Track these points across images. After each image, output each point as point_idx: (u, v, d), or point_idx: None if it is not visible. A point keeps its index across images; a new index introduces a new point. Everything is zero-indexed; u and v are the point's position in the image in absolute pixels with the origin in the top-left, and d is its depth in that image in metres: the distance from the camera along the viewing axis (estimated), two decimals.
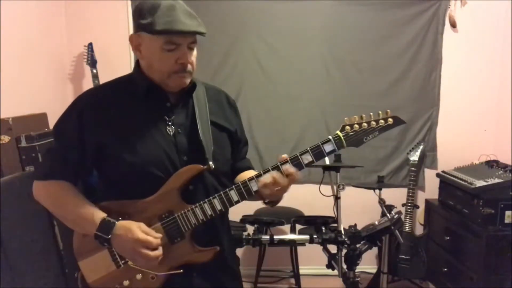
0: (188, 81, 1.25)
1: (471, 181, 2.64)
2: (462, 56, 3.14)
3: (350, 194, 2.62)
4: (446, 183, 2.94)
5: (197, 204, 1.21)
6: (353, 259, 2.15)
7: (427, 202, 3.16)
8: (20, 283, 1.93)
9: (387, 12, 3.09)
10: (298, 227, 2.75)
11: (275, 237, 2.22)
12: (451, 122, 3.18)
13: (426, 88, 3.17)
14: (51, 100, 2.91)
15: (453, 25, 3.10)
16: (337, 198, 2.33)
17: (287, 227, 2.85)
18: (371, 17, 3.10)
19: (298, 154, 1.21)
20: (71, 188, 1.26)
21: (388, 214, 2.25)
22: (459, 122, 3.19)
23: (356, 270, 2.18)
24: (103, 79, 2.91)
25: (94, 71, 2.91)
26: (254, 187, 1.20)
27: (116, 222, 1.18)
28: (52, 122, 2.70)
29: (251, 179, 1.21)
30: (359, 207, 2.97)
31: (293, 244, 2.74)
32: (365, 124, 1.22)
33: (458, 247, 2.73)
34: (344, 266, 2.18)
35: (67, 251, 2.35)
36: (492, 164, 2.86)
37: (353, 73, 3.16)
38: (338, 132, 1.22)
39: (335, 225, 2.28)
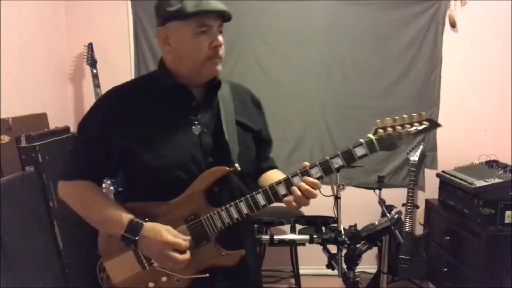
0: (220, 68, 1.22)
1: (471, 181, 2.64)
2: (462, 56, 3.15)
3: (350, 194, 2.62)
4: (446, 183, 2.94)
5: (223, 207, 1.18)
6: (353, 259, 2.15)
7: (427, 202, 3.16)
8: (20, 283, 1.93)
9: (387, 12, 3.09)
10: (298, 227, 2.75)
11: (275, 237, 2.21)
12: (451, 122, 3.18)
13: (426, 88, 3.17)
14: (51, 100, 2.91)
15: (453, 25, 3.10)
16: (337, 198, 2.33)
17: (287, 227, 2.85)
18: (371, 17, 3.10)
19: (328, 157, 1.17)
20: (97, 189, 1.26)
21: (388, 214, 2.25)
22: (459, 122, 3.18)
23: (356, 270, 2.17)
24: (103, 79, 2.91)
25: (94, 71, 2.91)
26: (282, 191, 1.17)
27: (144, 223, 1.16)
28: (52, 122, 2.70)
29: (278, 182, 1.17)
30: (359, 207, 2.97)
31: (293, 244, 2.74)
32: (399, 127, 1.14)
33: (458, 247, 2.73)
34: (344, 266, 2.18)
35: (67, 251, 2.35)
36: (492, 164, 2.86)
37: (353, 73, 3.16)
38: (370, 135, 1.16)
39: (335, 225, 2.28)
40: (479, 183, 2.58)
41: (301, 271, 3.00)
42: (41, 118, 2.63)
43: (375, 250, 2.88)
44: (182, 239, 1.16)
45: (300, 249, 2.95)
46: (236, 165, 1.19)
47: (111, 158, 1.22)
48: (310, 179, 1.15)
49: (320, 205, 2.48)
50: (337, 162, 1.17)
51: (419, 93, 3.17)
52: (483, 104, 3.17)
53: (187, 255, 1.16)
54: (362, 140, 1.16)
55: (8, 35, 2.38)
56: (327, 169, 1.17)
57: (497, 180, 2.57)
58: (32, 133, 2.26)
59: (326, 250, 2.22)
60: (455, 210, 2.80)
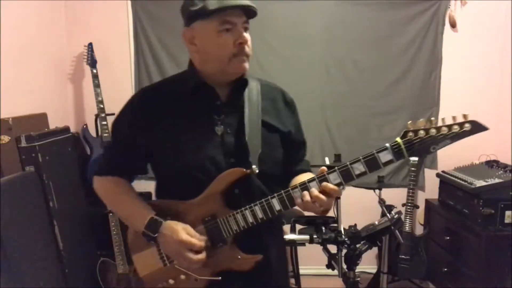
0: (247, 66, 1.20)
1: (471, 181, 2.64)
2: (462, 56, 3.14)
3: (350, 194, 2.61)
4: (446, 183, 2.94)
5: (239, 210, 1.17)
6: (353, 259, 2.15)
7: (427, 202, 3.16)
8: (20, 283, 1.93)
9: (387, 12, 3.09)
10: (298, 227, 2.75)
11: None
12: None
13: (426, 88, 3.17)
14: (51, 100, 2.91)
15: (453, 25, 3.10)
16: (337, 198, 2.33)
17: (287, 227, 2.84)
18: (371, 17, 3.10)
19: (348, 163, 1.07)
20: (126, 185, 1.30)
21: (388, 214, 2.24)
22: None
23: (356, 270, 2.17)
24: (103, 79, 2.91)
25: (94, 71, 2.90)
26: (298, 196, 1.11)
27: (164, 221, 1.18)
28: (52, 122, 2.71)
29: (294, 187, 1.12)
30: (359, 207, 2.97)
31: (293, 244, 2.74)
32: (433, 130, 1.00)
33: (458, 247, 2.73)
34: (344, 266, 2.18)
35: (67, 251, 2.35)
36: (492, 164, 2.86)
37: (353, 73, 3.16)
38: (398, 139, 1.03)
39: (335, 225, 2.28)
40: (479, 183, 2.58)
41: (301, 271, 3.00)
42: (41, 118, 2.63)
43: (375, 250, 2.88)
44: (197, 239, 1.16)
45: (300, 249, 2.94)
46: (254, 167, 1.15)
47: (138, 156, 1.26)
48: (330, 186, 1.08)
49: None
50: (359, 168, 1.06)
51: (419, 93, 3.17)
52: (483, 104, 3.17)
53: (202, 256, 1.16)
54: (387, 144, 1.04)
55: (8, 35, 2.38)
56: (347, 175, 1.08)
57: (497, 180, 2.57)
58: (32, 133, 2.26)
59: (326, 250, 2.22)
60: (455, 210, 2.80)
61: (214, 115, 1.22)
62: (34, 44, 2.71)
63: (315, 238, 2.17)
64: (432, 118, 1.02)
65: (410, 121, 1.03)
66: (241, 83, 1.25)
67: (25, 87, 2.59)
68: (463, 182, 2.70)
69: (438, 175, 3.04)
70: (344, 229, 2.22)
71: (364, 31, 3.11)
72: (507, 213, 2.49)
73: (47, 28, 2.90)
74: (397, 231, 2.27)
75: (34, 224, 2.15)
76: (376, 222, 2.23)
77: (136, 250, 1.30)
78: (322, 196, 1.08)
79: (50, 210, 2.28)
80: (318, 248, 2.24)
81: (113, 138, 1.33)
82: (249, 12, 1.17)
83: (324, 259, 2.23)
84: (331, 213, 2.35)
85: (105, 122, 2.85)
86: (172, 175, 1.23)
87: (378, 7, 3.08)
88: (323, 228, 2.29)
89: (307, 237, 2.20)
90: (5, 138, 2.25)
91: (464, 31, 3.11)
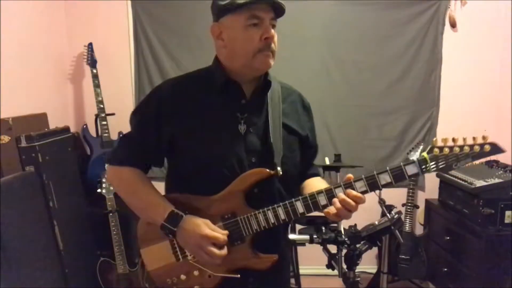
0: (272, 62, 1.21)
1: (471, 181, 2.64)
2: (462, 56, 3.14)
3: None
4: (446, 183, 2.94)
5: (261, 210, 1.17)
6: (353, 259, 2.15)
7: (427, 202, 3.16)
8: (20, 283, 1.93)
9: (387, 12, 3.09)
10: (298, 227, 2.75)
11: None
12: (451, 122, 3.18)
13: (426, 88, 3.17)
14: (51, 100, 2.91)
15: (453, 25, 3.10)
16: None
17: None
18: (371, 17, 3.10)
19: (375, 172, 1.12)
20: (143, 176, 1.28)
21: (388, 214, 2.24)
22: (459, 122, 3.18)
23: (356, 270, 2.17)
24: (103, 79, 2.91)
25: (94, 71, 2.91)
26: (322, 201, 1.14)
27: (184, 215, 1.18)
28: (52, 122, 2.71)
29: (320, 192, 1.15)
30: (359, 207, 2.97)
31: (293, 244, 2.73)
32: (457, 149, 1.09)
33: (458, 247, 2.73)
34: (344, 266, 2.18)
35: (67, 251, 2.35)
36: (492, 164, 2.86)
37: (353, 73, 3.16)
38: (424, 154, 1.10)
39: (335, 225, 2.28)
40: (479, 183, 2.58)
41: (301, 271, 3.00)
42: (41, 118, 2.63)
43: (375, 250, 2.88)
44: (220, 233, 1.16)
45: (300, 249, 2.94)
46: (278, 168, 1.17)
47: (160, 145, 1.24)
48: (354, 192, 1.12)
49: None
50: (385, 178, 1.12)
51: (419, 93, 3.17)
52: (483, 104, 3.17)
53: (224, 251, 1.16)
54: (414, 158, 1.10)
55: (8, 35, 2.38)
56: (373, 185, 1.13)
57: (497, 180, 2.57)
58: (32, 133, 2.26)
59: (326, 250, 2.22)
60: (455, 210, 2.80)
61: (238, 113, 1.23)
62: (34, 44, 2.71)
63: (315, 238, 2.17)
64: (455, 137, 1.10)
65: (435, 138, 1.11)
66: (266, 83, 1.26)
67: (25, 87, 2.59)
68: (463, 182, 2.70)
69: (438, 175, 3.04)
70: (344, 229, 2.22)
71: (364, 31, 3.11)
72: (507, 213, 2.49)
73: (47, 28, 2.90)
74: (397, 231, 2.26)
75: (34, 224, 2.15)
76: (376, 222, 2.23)
77: (146, 243, 1.28)
78: (349, 200, 1.10)
79: (50, 210, 2.28)
80: (318, 248, 2.24)
81: (135, 128, 1.30)
82: (277, 10, 1.18)
83: (324, 259, 2.23)
84: None
85: (105, 122, 2.86)
86: (194, 168, 1.21)
87: (378, 7, 3.08)
88: (323, 228, 2.29)
89: (307, 237, 2.20)
90: (5, 138, 2.25)
91: (464, 31, 3.11)
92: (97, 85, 2.88)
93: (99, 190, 2.62)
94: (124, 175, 1.28)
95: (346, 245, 2.15)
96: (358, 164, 2.83)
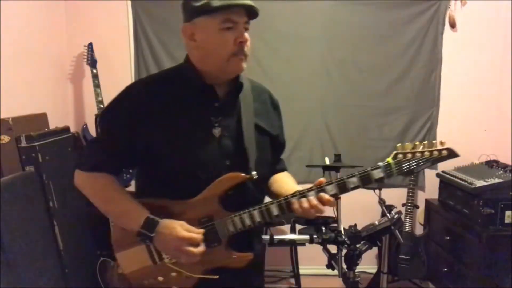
0: (245, 65, 1.21)
1: (471, 181, 2.64)
2: (462, 56, 3.14)
3: (350, 194, 2.60)
4: (446, 183, 2.94)
5: (237, 214, 1.19)
6: (353, 259, 2.15)
7: (427, 202, 3.16)
8: (20, 283, 1.93)
9: (387, 12, 3.09)
10: (298, 227, 2.75)
11: (275, 237, 2.21)
12: (451, 122, 3.18)
13: (426, 88, 3.17)
14: (51, 100, 2.91)
15: (453, 25, 3.10)
16: (337, 198, 2.32)
17: (287, 227, 2.85)
18: (371, 17, 3.10)
19: (345, 177, 1.19)
20: (116, 183, 1.26)
21: (388, 214, 2.24)
22: (459, 122, 3.18)
23: (356, 270, 2.17)
24: (103, 79, 2.92)
25: (94, 71, 2.91)
26: (295, 204, 1.19)
27: (160, 220, 1.17)
28: (52, 122, 2.70)
29: (293, 195, 1.19)
30: (359, 207, 2.97)
31: (293, 244, 2.74)
32: (418, 154, 1.17)
33: (458, 247, 2.73)
34: (344, 266, 2.18)
35: (67, 251, 2.35)
36: (492, 164, 2.86)
37: (353, 73, 3.16)
38: (389, 159, 1.18)
39: (335, 225, 2.28)
40: (479, 183, 2.58)
41: (301, 271, 3.00)
42: (41, 118, 2.63)
43: (375, 250, 2.88)
44: (195, 233, 1.17)
45: (300, 249, 2.95)
46: (254, 173, 1.20)
47: (132, 150, 1.22)
48: (327, 196, 1.17)
49: None
50: (353, 182, 1.19)
51: (419, 93, 3.17)
52: (483, 104, 3.17)
53: (201, 248, 1.17)
54: (380, 164, 1.18)
55: (8, 35, 2.38)
56: (342, 188, 1.19)
57: (497, 180, 2.57)
58: (32, 133, 2.26)
59: (326, 250, 2.22)
60: (455, 210, 2.80)
61: (212, 116, 1.23)
62: (34, 44, 2.71)
63: (315, 238, 2.17)
64: (417, 142, 1.18)
65: (399, 144, 1.20)
66: (238, 86, 1.27)
67: (25, 87, 2.59)
68: (463, 182, 2.70)
69: (438, 175, 3.04)
70: (344, 229, 2.22)
71: (364, 31, 3.11)
72: (507, 213, 2.50)
73: (47, 28, 2.90)
74: (397, 231, 2.27)
75: (34, 224, 2.15)
76: (376, 222, 2.23)
77: (122, 247, 1.28)
78: (320, 206, 1.17)
79: (50, 210, 2.28)
80: (318, 248, 2.24)
81: (105, 131, 1.28)
82: (251, 13, 1.18)
83: (324, 259, 2.23)
84: (331, 213, 2.36)
85: None
86: (169, 173, 1.21)
87: (378, 7, 3.08)
88: (323, 228, 2.29)
89: (307, 237, 2.19)
90: (5, 138, 2.25)
91: (464, 31, 3.11)
92: (97, 85, 2.88)
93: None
94: (97, 182, 1.25)
95: (346, 245, 2.15)
96: (358, 164, 2.83)
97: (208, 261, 1.21)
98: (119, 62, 3.15)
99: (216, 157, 1.21)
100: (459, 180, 2.75)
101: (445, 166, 3.05)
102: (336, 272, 2.19)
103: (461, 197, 2.72)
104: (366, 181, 1.18)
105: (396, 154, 1.18)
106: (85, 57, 2.97)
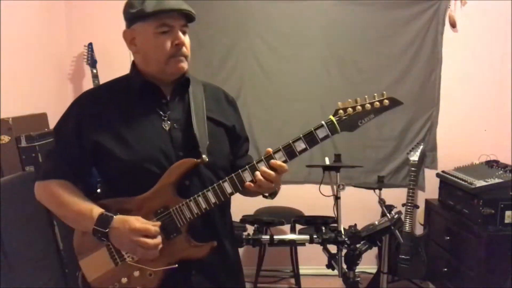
0: (185, 66, 1.25)
1: (471, 181, 2.64)
2: (462, 56, 3.14)
3: (350, 194, 2.62)
4: (446, 183, 2.94)
5: (191, 198, 1.20)
6: (353, 259, 2.15)
7: (427, 202, 3.16)
8: (20, 283, 1.93)
9: (387, 12, 3.09)
10: (298, 227, 2.75)
11: (275, 237, 2.21)
12: (451, 122, 3.18)
13: (426, 88, 3.17)
14: (51, 100, 2.91)
15: (453, 25, 3.10)
16: (337, 198, 2.33)
17: (287, 227, 2.85)
18: (371, 17, 3.10)
19: (290, 141, 1.19)
20: (71, 187, 1.27)
21: (388, 214, 2.25)
22: (459, 122, 3.19)
23: (356, 270, 2.18)
24: (103, 79, 2.91)
25: (94, 71, 2.91)
26: (247, 177, 1.19)
27: (114, 216, 1.18)
28: (52, 122, 2.70)
29: (244, 169, 1.20)
30: (359, 207, 2.97)
31: (293, 244, 2.74)
32: (359, 107, 1.19)
33: (458, 247, 2.73)
34: (344, 266, 2.18)
35: (67, 251, 2.35)
36: (492, 164, 2.86)
37: (353, 73, 3.16)
38: (331, 116, 1.21)
39: (335, 225, 2.28)
40: (479, 183, 2.58)
41: (301, 271, 3.00)
42: (41, 118, 2.63)
43: (375, 250, 2.88)
44: (151, 224, 1.17)
45: (300, 249, 2.95)
46: (204, 156, 1.20)
47: (85, 155, 1.25)
48: (278, 162, 1.18)
49: (320, 205, 2.50)
50: (300, 145, 1.20)
51: (419, 93, 3.17)
52: (483, 104, 3.17)
53: (158, 240, 1.17)
54: (323, 122, 1.20)
55: (8, 35, 2.38)
56: (291, 153, 1.20)
57: (497, 180, 2.57)
58: (32, 133, 2.26)
59: (326, 250, 2.22)
60: (455, 210, 2.80)
61: (160, 111, 1.27)
62: (34, 44, 2.71)
63: (315, 238, 2.18)
64: (358, 98, 1.20)
65: (340, 102, 1.21)
66: (184, 81, 1.30)
67: (25, 87, 2.59)
68: (463, 182, 2.70)
69: (438, 175, 3.05)
70: (344, 229, 2.23)
71: (364, 31, 3.11)
72: (507, 213, 2.50)
73: (47, 28, 2.90)
74: (397, 231, 2.27)
75: (34, 224, 2.15)
76: (376, 222, 2.24)
77: (84, 253, 1.27)
78: (270, 171, 1.18)
79: (50, 210, 2.28)
80: (318, 248, 2.24)
81: (57, 141, 1.32)
82: (188, 16, 1.23)
83: (324, 259, 2.24)
84: (331, 213, 2.37)
85: None
86: (122, 173, 1.23)
87: (378, 7, 3.08)
88: (323, 228, 2.30)
89: (307, 237, 2.20)
90: (5, 138, 2.25)
91: (464, 31, 3.11)
92: (97, 85, 2.88)
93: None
94: (51, 189, 1.27)
95: (346, 245, 2.15)
96: (358, 164, 2.84)
97: (170, 254, 1.20)
98: (119, 62, 3.13)
99: (168, 149, 1.23)
100: (459, 180, 2.75)
101: (445, 166, 3.06)
102: (336, 272, 2.20)
103: (461, 197, 2.73)
104: (312, 142, 1.19)
105: (337, 110, 1.21)
106: (85, 57, 2.97)
